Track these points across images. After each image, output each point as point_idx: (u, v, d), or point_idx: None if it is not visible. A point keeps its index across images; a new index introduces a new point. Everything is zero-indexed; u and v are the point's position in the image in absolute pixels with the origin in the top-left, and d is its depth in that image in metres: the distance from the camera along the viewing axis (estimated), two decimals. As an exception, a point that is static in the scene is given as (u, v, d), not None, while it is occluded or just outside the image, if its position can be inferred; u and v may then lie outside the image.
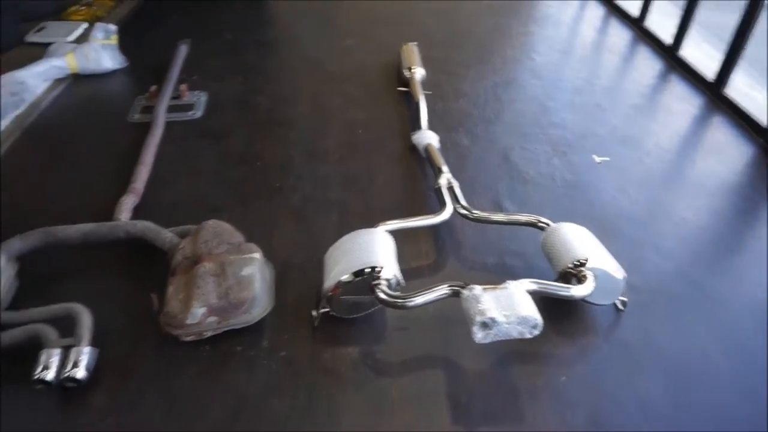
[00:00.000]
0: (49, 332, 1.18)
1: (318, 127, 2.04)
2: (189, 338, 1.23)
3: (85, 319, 1.21)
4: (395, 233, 1.41)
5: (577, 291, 1.24)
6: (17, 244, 1.38)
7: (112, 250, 1.47)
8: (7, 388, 1.17)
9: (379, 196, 1.73)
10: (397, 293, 1.23)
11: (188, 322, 1.20)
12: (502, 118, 2.15)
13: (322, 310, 1.29)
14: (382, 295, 1.22)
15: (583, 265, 1.27)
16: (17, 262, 1.36)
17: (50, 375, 1.13)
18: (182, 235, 1.43)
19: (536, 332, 1.12)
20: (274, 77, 2.41)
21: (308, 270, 1.45)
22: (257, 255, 1.30)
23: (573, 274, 1.29)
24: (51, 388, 1.14)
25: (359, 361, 1.26)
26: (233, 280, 1.24)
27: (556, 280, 1.30)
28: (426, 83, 2.23)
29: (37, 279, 1.40)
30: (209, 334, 1.24)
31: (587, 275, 1.26)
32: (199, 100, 2.16)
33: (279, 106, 2.17)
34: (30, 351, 1.17)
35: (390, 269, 1.25)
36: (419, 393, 1.19)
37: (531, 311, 1.11)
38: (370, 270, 1.23)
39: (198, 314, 1.20)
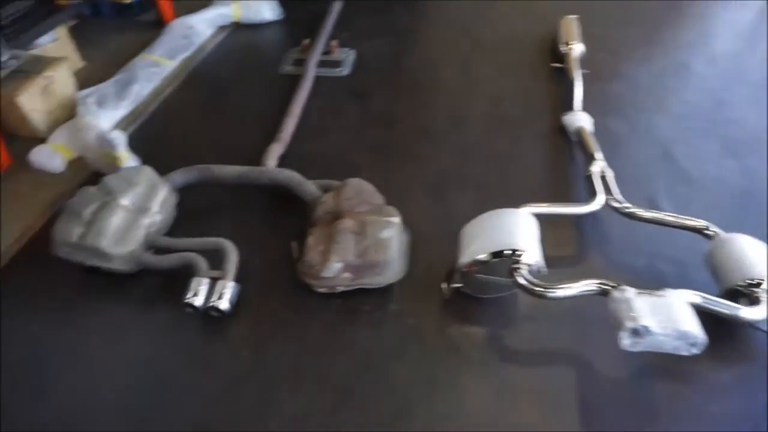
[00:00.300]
0: (201, 262, 1.27)
1: (463, 95, 1.97)
2: (322, 290, 1.26)
3: (232, 256, 1.28)
4: (539, 217, 1.33)
5: (747, 313, 1.09)
6: (180, 176, 1.49)
7: (258, 194, 1.54)
8: (161, 306, 1.29)
9: (521, 175, 1.64)
10: (538, 281, 1.16)
11: (324, 274, 1.22)
12: (667, 108, 1.93)
13: (454, 285, 1.26)
14: (521, 281, 1.16)
15: (758, 285, 1.11)
16: (178, 193, 1.47)
17: (198, 301, 1.21)
18: (324, 189, 1.45)
19: (695, 351, 1.01)
20: (423, 40, 2.36)
21: (440, 242, 1.41)
22: (396, 219, 1.29)
23: (743, 293, 1.13)
24: (197, 313, 1.23)
25: (486, 343, 1.22)
26: (371, 241, 1.24)
27: (720, 297, 1.16)
28: (584, 61, 2.05)
29: (192, 211, 1.50)
30: (341, 289, 1.26)
31: (762, 297, 1.10)
32: (348, 57, 2.18)
33: (425, 70, 2.12)
34: (181, 276, 1.27)
35: (533, 254, 1.18)
36: (546, 388, 1.12)
37: (693, 327, 0.99)
38: (510, 252, 1.17)
39: (335, 268, 1.22)
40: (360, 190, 1.35)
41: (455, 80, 2.06)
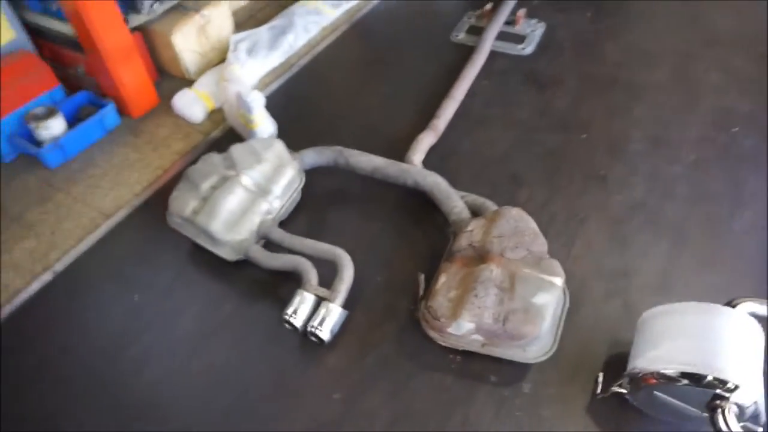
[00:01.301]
0: (310, 272, 1.08)
1: (676, 108, 1.51)
2: (441, 343, 1.01)
3: (347, 274, 1.07)
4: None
5: None
6: (311, 156, 1.29)
7: (396, 192, 1.30)
8: (262, 307, 1.13)
9: (741, 241, 1.20)
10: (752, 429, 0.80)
11: (450, 330, 0.96)
12: None
13: (617, 389, 0.93)
14: (723, 426, 0.80)
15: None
16: (305, 175, 1.28)
17: (298, 322, 1.03)
18: (473, 209, 1.17)
19: None
20: (633, 20, 1.87)
21: (610, 311, 1.08)
22: (559, 281, 0.97)
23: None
24: (295, 331, 1.05)
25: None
26: (520, 304, 0.94)
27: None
28: None
29: (315, 197, 1.31)
30: (465, 348, 1.00)
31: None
32: (534, 32, 1.79)
33: (629, 63, 1.67)
34: (292, 277, 1.10)
35: (750, 391, 0.81)
36: None
37: None
38: (716, 382, 0.81)
39: (464, 328, 0.95)
40: (519, 227, 1.04)
41: (668, 84, 1.59)
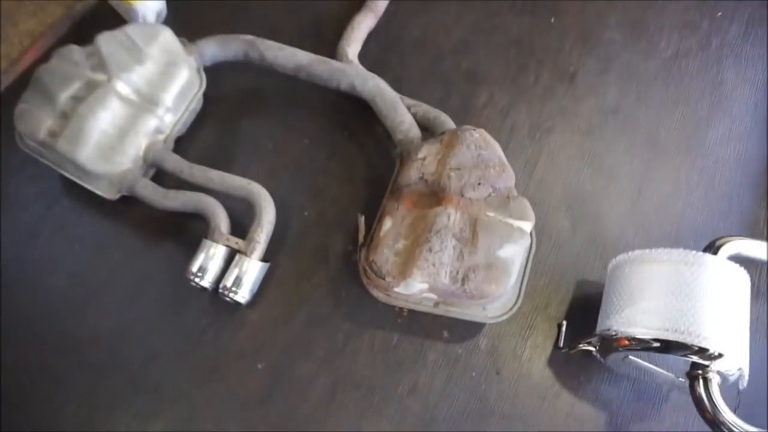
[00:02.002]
0: (220, 219, 0.84)
1: None
2: (386, 302, 0.84)
3: (267, 219, 0.84)
4: (751, 264, 0.82)
5: None
6: (214, 49, 0.97)
7: (326, 98, 1.03)
8: (165, 256, 0.90)
9: (718, 154, 1.06)
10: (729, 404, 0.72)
11: (397, 290, 0.79)
12: None
13: (584, 346, 0.82)
14: (703, 393, 0.72)
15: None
16: (206, 75, 0.97)
17: (206, 282, 0.82)
18: (424, 124, 0.94)
19: None
20: None
21: (577, 244, 0.95)
22: (528, 226, 0.80)
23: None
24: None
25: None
26: (483, 259, 0.77)
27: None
28: None
29: (221, 108, 1.02)
30: (414, 309, 0.84)
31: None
32: None
33: None
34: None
35: (734, 358, 0.72)
36: None
37: None
38: (697, 350, 0.71)
39: (415, 288, 0.78)
40: (482, 156, 0.83)
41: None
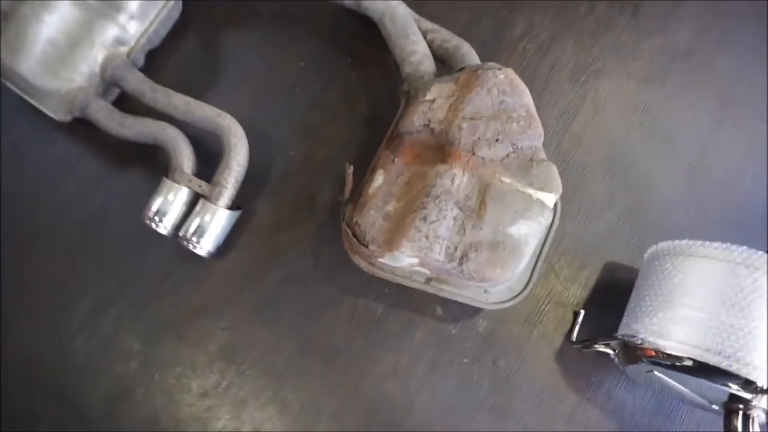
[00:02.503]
0: (184, 156, 0.71)
1: None
2: (369, 272, 0.71)
3: (236, 160, 0.71)
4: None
5: None
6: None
7: (326, 15, 0.85)
8: (121, 192, 0.79)
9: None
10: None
11: (383, 261, 0.66)
12: None
13: (600, 348, 0.69)
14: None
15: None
16: (186, -25, 0.81)
17: (163, 228, 0.70)
18: (441, 56, 0.76)
19: None
20: None
21: (611, 219, 0.79)
22: (552, 199, 0.64)
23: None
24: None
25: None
26: (489, 235, 0.63)
27: None
28: None
29: (202, 15, 0.86)
30: (401, 283, 0.71)
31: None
32: None
33: None
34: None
35: (790, 392, 0.57)
36: None
37: None
38: (739, 381, 0.56)
39: (402, 261, 0.65)
40: (505, 104, 0.66)
41: None
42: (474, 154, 0.65)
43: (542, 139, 0.67)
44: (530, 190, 0.64)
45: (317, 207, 0.78)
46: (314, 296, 0.75)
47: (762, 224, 0.80)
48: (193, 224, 0.69)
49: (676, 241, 0.67)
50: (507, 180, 0.64)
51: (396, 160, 0.67)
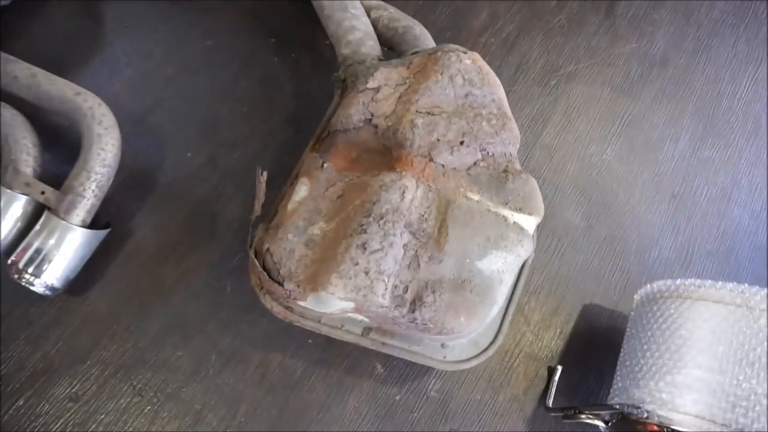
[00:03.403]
0: (21, 149, 0.50)
1: None
2: (284, 319, 0.52)
3: (99, 156, 0.50)
4: None
5: None
6: None
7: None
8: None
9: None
10: None
11: (305, 304, 0.47)
12: None
13: (587, 419, 0.53)
14: None
15: None
16: None
17: (-14, 252, 0.48)
18: (389, 39, 0.60)
19: None
20: None
21: (590, 250, 0.65)
22: (533, 223, 0.49)
23: None
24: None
25: None
26: (452, 271, 0.46)
27: None
28: None
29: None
30: (331, 336, 0.52)
31: None
32: None
33: None
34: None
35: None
36: None
37: None
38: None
39: (333, 304, 0.46)
40: (471, 96, 0.50)
41: None
42: (432, 160, 0.48)
43: (518, 145, 0.51)
44: (505, 211, 0.48)
45: (219, 228, 0.59)
46: (209, 352, 0.55)
47: (754, 257, 0.68)
48: (30, 248, 0.48)
49: (679, 281, 0.53)
50: (475, 197, 0.48)
51: (326, 165, 0.50)
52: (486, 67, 0.51)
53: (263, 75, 0.65)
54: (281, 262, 0.46)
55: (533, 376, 0.59)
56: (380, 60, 0.55)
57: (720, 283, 0.50)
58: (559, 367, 0.58)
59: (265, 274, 0.46)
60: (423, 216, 0.46)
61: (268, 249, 0.47)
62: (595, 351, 0.59)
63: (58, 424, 0.51)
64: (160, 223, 0.58)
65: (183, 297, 0.56)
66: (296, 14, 0.65)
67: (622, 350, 0.55)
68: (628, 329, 0.56)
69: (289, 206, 0.48)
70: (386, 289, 0.44)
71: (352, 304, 0.45)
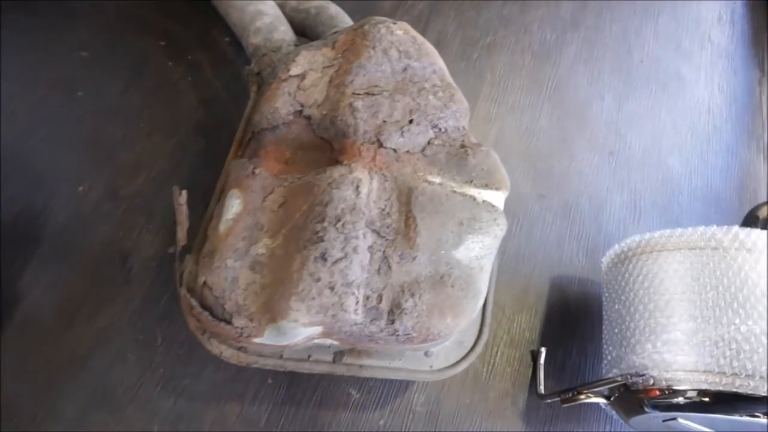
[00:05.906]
0: None
1: None
2: (236, 363, 0.43)
3: None
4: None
5: None
6: None
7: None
8: None
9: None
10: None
11: (261, 340, 0.39)
12: None
13: (586, 398, 0.49)
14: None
15: None
16: None
17: None
18: (299, 25, 0.53)
19: None
20: None
21: (544, 227, 0.62)
22: (501, 199, 0.44)
23: None
24: None
25: None
26: (427, 267, 0.39)
27: None
28: None
29: None
30: (294, 371, 0.44)
31: None
32: None
33: None
34: None
35: None
36: None
37: None
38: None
39: (297, 333, 0.38)
40: (410, 70, 0.45)
41: None
42: (381, 145, 0.42)
43: (469, 116, 0.46)
44: (472, 190, 0.42)
45: (134, 270, 0.49)
46: (148, 422, 0.45)
47: (693, 199, 0.68)
48: None
49: (648, 234, 0.50)
50: (436, 179, 0.42)
51: (257, 171, 0.42)
52: (420, 37, 0.46)
53: (157, 83, 0.55)
54: (224, 295, 0.37)
55: (518, 365, 0.54)
56: (297, 46, 0.48)
57: (690, 229, 0.49)
58: (543, 349, 0.54)
59: (206, 313, 0.38)
60: (384, 210, 0.40)
61: (204, 282, 0.38)
62: (573, 324, 0.56)
63: None
64: (57, 279, 0.47)
65: (104, 361, 0.45)
66: (184, 11, 0.56)
67: (604, 319, 0.52)
68: (605, 295, 0.53)
69: (221, 227, 0.40)
70: (357, 302, 0.37)
71: (319, 329, 0.38)
